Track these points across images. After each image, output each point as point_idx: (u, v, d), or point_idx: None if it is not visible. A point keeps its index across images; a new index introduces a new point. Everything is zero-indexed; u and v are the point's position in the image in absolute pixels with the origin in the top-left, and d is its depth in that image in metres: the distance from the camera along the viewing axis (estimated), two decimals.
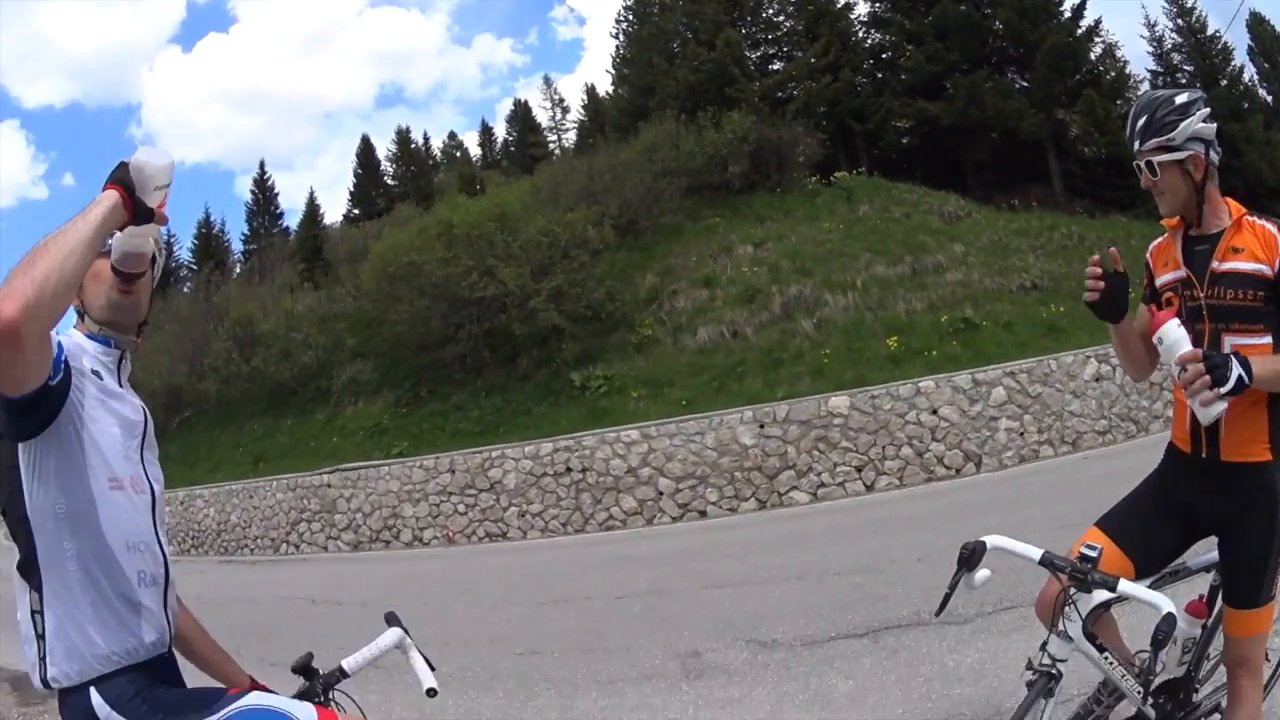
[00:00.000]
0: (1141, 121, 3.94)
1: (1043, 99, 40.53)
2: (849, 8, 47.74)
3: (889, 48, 47.05)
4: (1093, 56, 44.00)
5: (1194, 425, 3.94)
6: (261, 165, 69.66)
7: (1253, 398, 3.76)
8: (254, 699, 2.86)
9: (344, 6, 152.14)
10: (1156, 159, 3.93)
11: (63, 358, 2.66)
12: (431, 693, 3.43)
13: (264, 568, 23.39)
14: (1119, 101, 43.12)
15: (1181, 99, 3.92)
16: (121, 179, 2.57)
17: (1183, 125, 3.87)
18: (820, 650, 8.00)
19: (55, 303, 2.32)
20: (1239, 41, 48.84)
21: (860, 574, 10.34)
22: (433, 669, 3.52)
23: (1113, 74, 45.30)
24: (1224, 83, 43.85)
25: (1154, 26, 47.44)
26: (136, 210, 2.60)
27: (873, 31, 48.10)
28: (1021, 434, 19.02)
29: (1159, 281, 4.22)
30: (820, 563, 11.70)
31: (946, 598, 3.82)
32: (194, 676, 3.16)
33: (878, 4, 47.29)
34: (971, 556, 3.70)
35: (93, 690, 2.72)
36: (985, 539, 3.74)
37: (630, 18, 54.01)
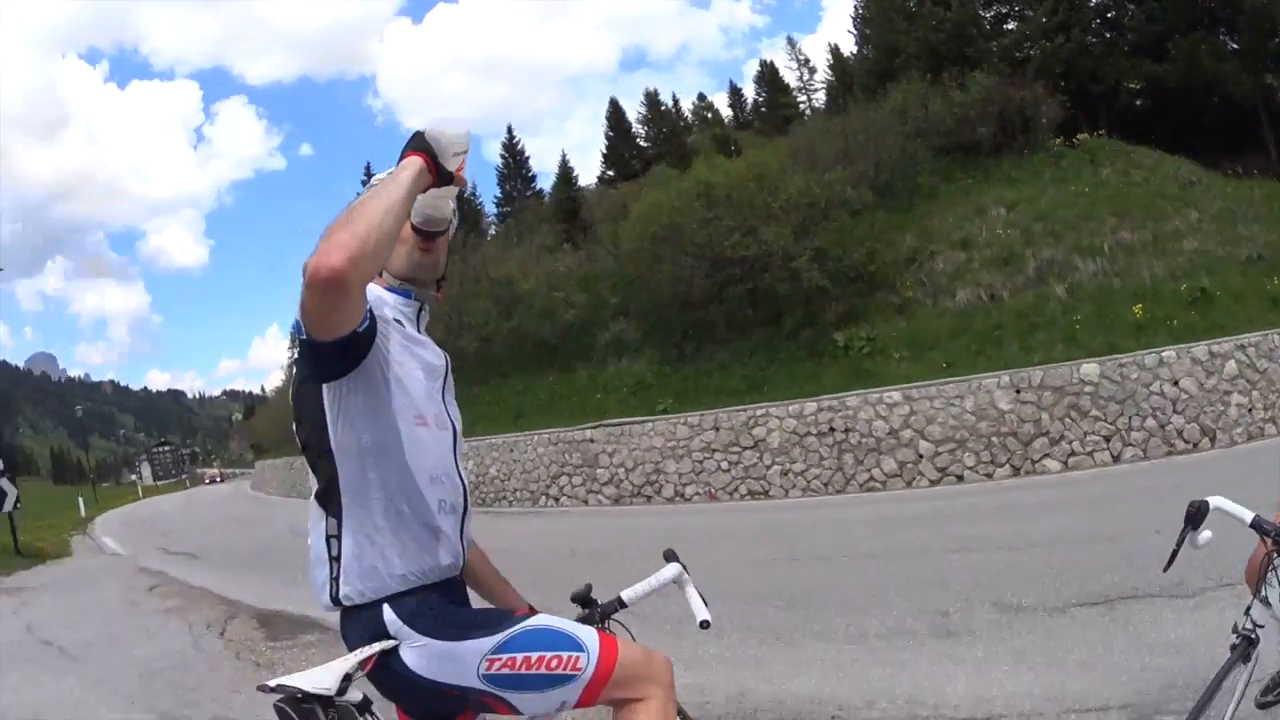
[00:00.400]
0: None
1: (1251, 61, 38.71)
2: None
3: (1113, 6, 45.29)
4: None
5: None
6: (510, 130, 70.92)
7: None
8: (541, 620, 2.98)
9: None
10: None
11: (368, 307, 2.74)
12: (705, 625, 3.44)
13: (523, 519, 23.96)
14: None
15: None
16: (420, 145, 2.72)
17: None
18: (1059, 617, 8.05)
19: (377, 254, 2.50)
20: None
21: (1102, 543, 10.30)
22: (706, 605, 3.52)
23: None
24: None
25: None
26: (439, 174, 2.75)
27: None
28: (1250, 410, 18.52)
29: None
30: (1066, 531, 11.74)
31: (1173, 554, 3.80)
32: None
33: None
34: (1196, 515, 3.70)
35: (385, 606, 2.86)
36: (1208, 499, 3.73)
37: None
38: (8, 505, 27.44)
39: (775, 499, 21.22)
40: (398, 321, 3.02)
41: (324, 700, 2.65)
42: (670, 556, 3.67)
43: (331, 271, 2.36)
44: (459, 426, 3.22)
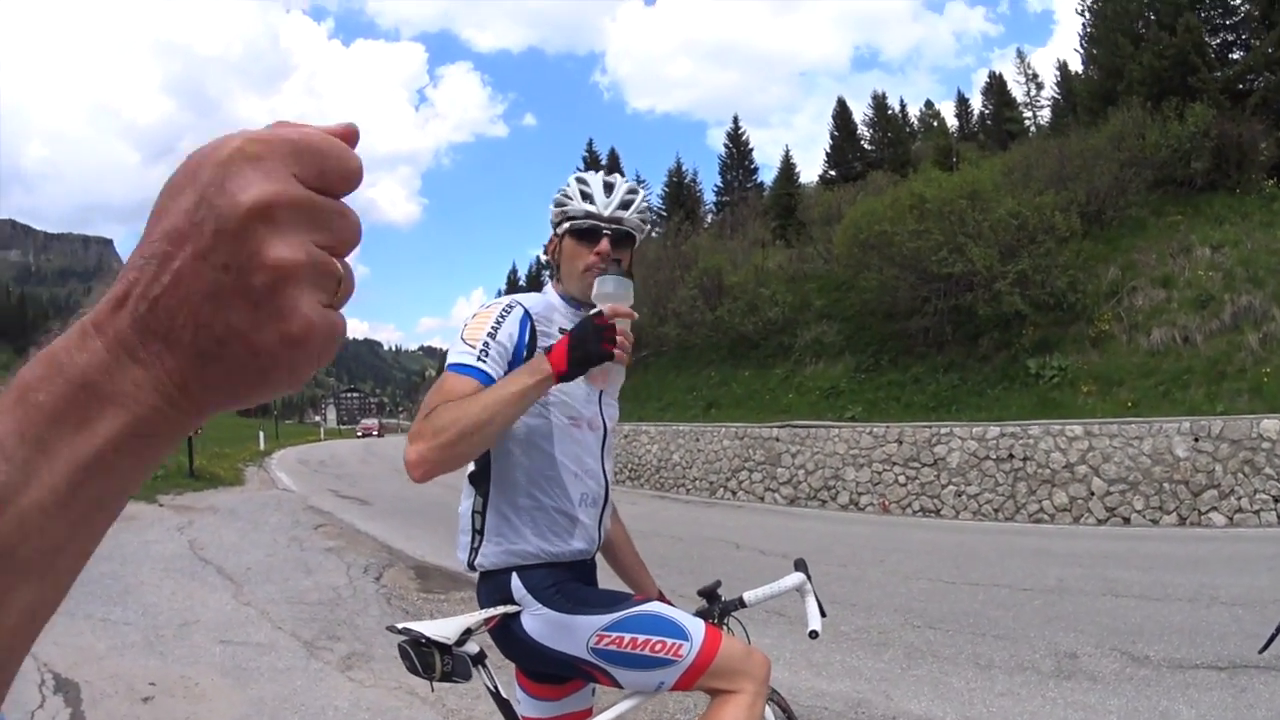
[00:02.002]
0: None
1: None
2: None
3: None
4: None
5: None
6: (735, 120, 70.25)
7: None
8: (654, 607, 3.33)
9: None
10: None
11: (526, 333, 3.24)
12: (813, 634, 3.70)
13: (697, 508, 24.26)
14: None
15: None
16: (571, 349, 2.87)
17: None
18: (1181, 675, 8.12)
19: (457, 463, 2.86)
20: None
21: (1243, 607, 10.32)
22: (824, 615, 3.82)
23: None
24: None
25: None
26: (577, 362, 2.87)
27: None
28: None
29: None
30: (1214, 589, 11.59)
31: (1272, 638, 3.96)
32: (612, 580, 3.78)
33: None
34: None
35: (514, 575, 3.29)
36: None
37: None
38: None
39: (945, 518, 21.46)
40: (563, 332, 3.31)
41: (442, 647, 3.09)
42: (799, 565, 4.05)
43: (415, 477, 2.81)
44: (611, 426, 3.64)
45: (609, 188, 3.55)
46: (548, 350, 2.89)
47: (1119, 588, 12.18)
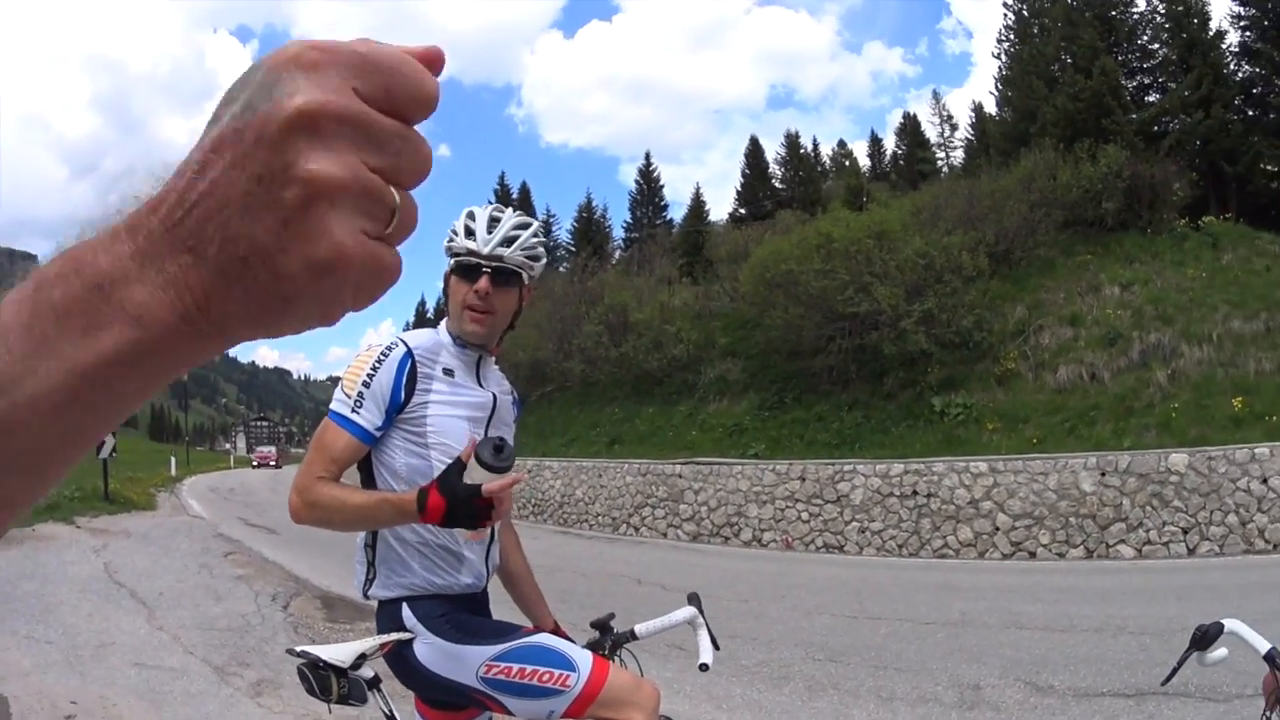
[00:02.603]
0: None
1: None
2: (1220, 36, 44.57)
3: (1258, 81, 43.73)
4: None
5: None
6: (648, 156, 71.03)
7: None
8: (541, 638, 3.39)
9: (731, 3, 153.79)
10: None
11: (405, 375, 3.32)
12: (703, 667, 3.76)
13: (600, 544, 24.26)
14: None
15: None
16: (444, 490, 2.87)
17: None
18: (1087, 703, 8.14)
19: (329, 529, 3.17)
20: None
21: (1151, 636, 10.36)
22: (716, 648, 3.88)
23: None
24: None
25: None
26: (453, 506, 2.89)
27: (1243, 63, 44.47)
28: None
29: None
30: (1121, 620, 11.69)
31: (1174, 671, 3.82)
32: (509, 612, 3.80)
33: (1247, 33, 44.00)
34: (1204, 638, 3.69)
35: (405, 604, 3.35)
36: (1224, 621, 3.70)
37: (1011, 37, 53.10)
38: (105, 451, 28.47)
39: (849, 554, 21.38)
40: (448, 372, 3.44)
41: (338, 670, 3.20)
42: (692, 599, 4.06)
43: (294, 521, 3.13)
44: None
45: (493, 223, 3.53)
46: (426, 494, 2.88)
47: (1023, 620, 12.27)
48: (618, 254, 63.21)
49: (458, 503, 2.82)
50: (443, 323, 3.64)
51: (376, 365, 3.29)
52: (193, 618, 12.13)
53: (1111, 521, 18.96)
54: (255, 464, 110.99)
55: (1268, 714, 3.60)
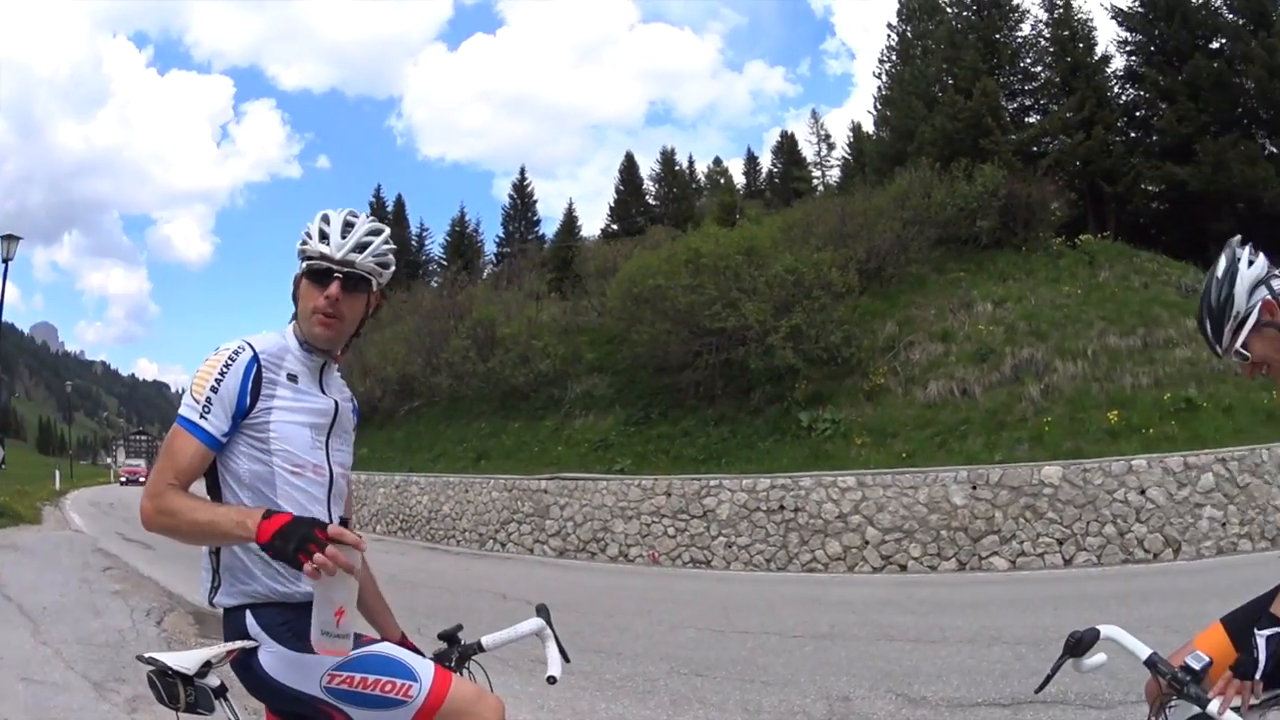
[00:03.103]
0: (1207, 326, 3.70)
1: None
2: (1105, 60, 46.29)
3: (1142, 105, 45.28)
4: None
5: None
6: (522, 171, 71.04)
7: None
8: (383, 647, 3.31)
9: (615, 19, 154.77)
10: (1238, 345, 3.59)
11: (250, 381, 3.25)
12: (551, 679, 3.68)
13: (467, 559, 24.17)
14: None
15: (1218, 268, 3.69)
16: (283, 534, 2.90)
17: (1237, 289, 3.62)
18: (961, 713, 8.10)
19: (177, 539, 3.15)
20: None
21: (1027, 645, 10.32)
22: (566, 661, 3.78)
23: None
24: None
25: None
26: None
27: (1127, 87, 46.28)
28: (1224, 524, 18.34)
29: None
30: (995, 630, 11.73)
31: (1048, 678, 3.71)
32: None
33: (1132, 57, 45.62)
34: (1078, 645, 3.60)
35: (248, 613, 3.26)
36: (1100, 627, 3.62)
37: (893, 58, 53.75)
38: None
39: (717, 569, 21.32)
40: (291, 377, 3.39)
41: (185, 678, 3.16)
42: (540, 611, 3.93)
43: (147, 528, 3.13)
44: (340, 471, 3.55)
45: (347, 227, 3.48)
46: (269, 514, 2.95)
47: (894, 632, 12.25)
48: (489, 269, 62.91)
49: (290, 545, 2.85)
50: (289, 326, 3.56)
51: (224, 370, 3.23)
52: (74, 633, 12.05)
53: (984, 534, 19.14)
54: (123, 480, 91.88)
55: (1152, 718, 3.66)
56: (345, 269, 3.40)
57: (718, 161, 78.88)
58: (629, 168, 66.86)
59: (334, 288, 3.37)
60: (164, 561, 19.79)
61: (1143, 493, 18.55)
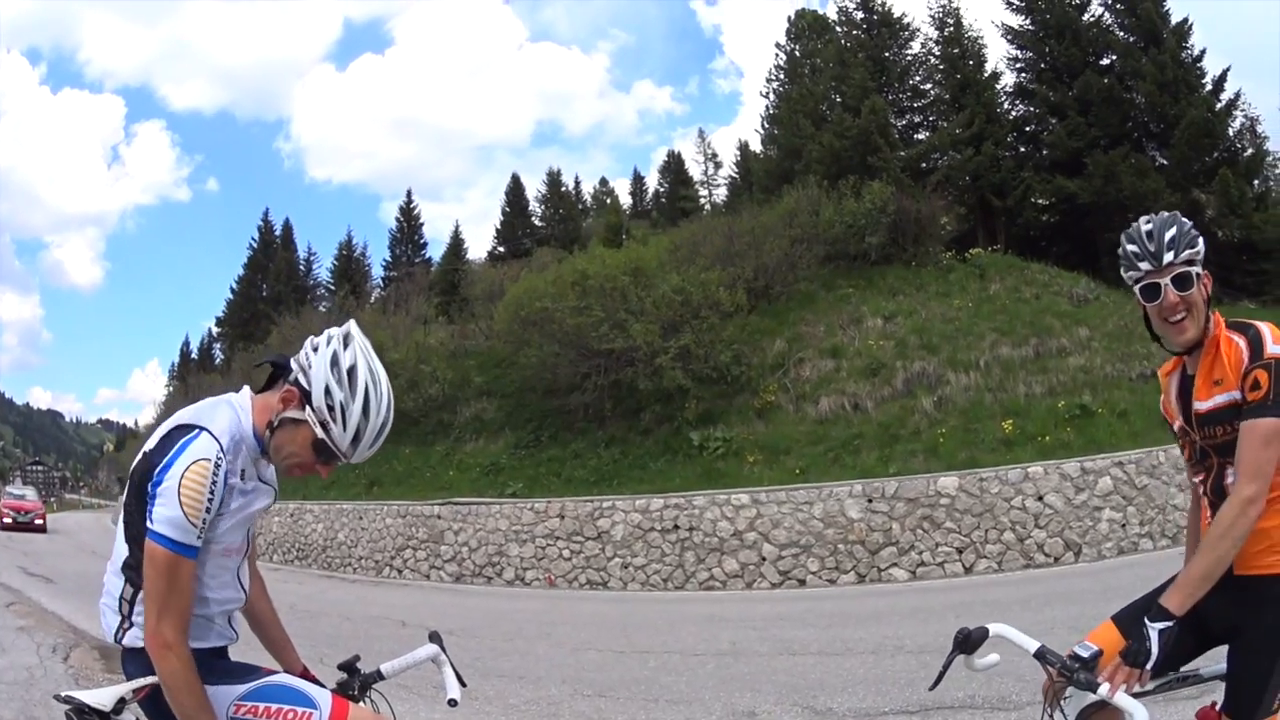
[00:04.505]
0: (1172, 232, 3.76)
1: (1180, 178, 39.16)
2: (995, 77, 47.12)
3: (1032, 120, 46.06)
4: (1231, 133, 42.59)
5: None
6: (409, 193, 70.86)
7: (1267, 511, 3.62)
8: (282, 677, 3.40)
9: (504, 39, 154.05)
10: (1195, 266, 3.77)
11: (216, 507, 3.16)
12: (452, 703, 3.72)
13: (364, 587, 23.93)
14: (1255, 182, 42.02)
15: (1184, 220, 3.83)
16: None
17: (1200, 241, 3.78)
18: None
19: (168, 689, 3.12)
20: None
21: (931, 653, 10.27)
22: (463, 685, 3.84)
23: (1250, 151, 43.61)
24: None
25: None
26: None
27: (1017, 103, 47.17)
28: (1124, 525, 18.76)
29: (1174, 429, 4.10)
30: (898, 639, 11.86)
31: (940, 676, 3.88)
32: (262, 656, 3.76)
33: (1023, 74, 46.55)
34: (966, 641, 3.73)
35: None
36: (989, 626, 3.77)
37: (781, 77, 54.09)
38: None
39: (614, 590, 21.35)
40: (242, 473, 3.32)
41: (101, 715, 3.15)
42: (433, 637, 4.04)
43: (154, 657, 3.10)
44: (251, 544, 3.64)
45: (380, 432, 3.42)
46: None
47: (796, 646, 12.31)
48: (376, 293, 62.49)
49: None
50: (247, 408, 3.42)
51: (213, 488, 3.12)
52: None
53: (882, 546, 19.35)
54: (5, 520, 54.25)
55: (1049, 712, 3.76)
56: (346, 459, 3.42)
57: (604, 182, 79.20)
58: (515, 189, 66.89)
59: (329, 469, 3.42)
60: (66, 596, 19.58)
61: (1040, 499, 18.92)
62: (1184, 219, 3.81)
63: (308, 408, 3.28)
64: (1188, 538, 4.44)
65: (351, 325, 3.45)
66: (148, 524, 3.07)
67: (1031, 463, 19.76)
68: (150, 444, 3.24)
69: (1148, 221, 3.85)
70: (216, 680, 3.25)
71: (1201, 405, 3.77)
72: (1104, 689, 3.45)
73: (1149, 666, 3.51)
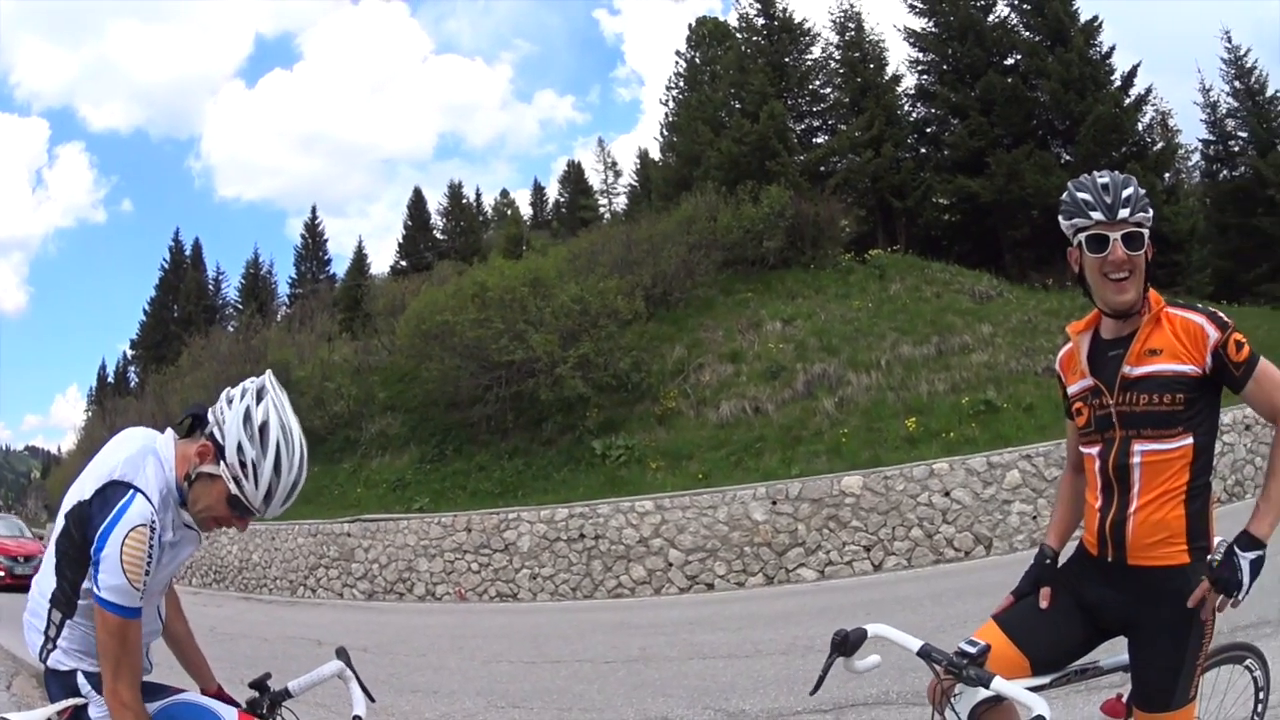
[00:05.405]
0: (1129, 190, 3.78)
1: (1085, 173, 38.48)
2: (896, 80, 47.74)
3: (934, 121, 46.69)
4: (1140, 128, 43.16)
5: (1101, 528, 3.89)
6: (314, 210, 70.62)
7: (1165, 497, 3.72)
8: (190, 696, 3.61)
9: (410, 52, 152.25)
10: (1144, 232, 3.82)
11: (146, 586, 3.27)
12: (357, 719, 3.88)
13: (279, 608, 23.82)
14: (1165, 175, 42.57)
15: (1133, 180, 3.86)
16: None
17: (1151, 210, 3.83)
18: None
19: None
20: None
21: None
22: (371, 700, 3.99)
23: (1160, 145, 44.41)
24: None
25: (1208, 91, 46.39)
26: None
27: (918, 105, 47.83)
28: (1034, 518, 18.89)
29: (1070, 391, 4.15)
30: (808, 639, 11.88)
31: (820, 679, 3.78)
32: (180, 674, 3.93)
33: (924, 76, 47.09)
34: (844, 643, 3.70)
35: (80, 674, 3.40)
36: (866, 627, 3.74)
37: (681, 84, 54.27)
38: None
39: (524, 601, 21.37)
40: (170, 524, 3.40)
41: None
42: (340, 654, 4.12)
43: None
44: (170, 584, 3.80)
45: (292, 490, 3.50)
46: None
47: (707, 650, 12.45)
48: (282, 311, 62.02)
49: None
50: (170, 459, 3.47)
51: (150, 552, 3.22)
52: None
53: (789, 547, 19.48)
54: None
55: (938, 713, 3.75)
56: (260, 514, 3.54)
57: (505, 193, 79.13)
58: (417, 203, 66.91)
59: (246, 523, 3.59)
60: (5, 626, 19.43)
61: (948, 494, 19.12)
62: (1132, 180, 3.86)
63: (222, 463, 3.35)
64: (1058, 504, 4.53)
65: (267, 378, 3.54)
66: (95, 591, 3.19)
67: (937, 459, 19.95)
68: (85, 491, 3.34)
69: (1103, 175, 3.90)
70: None
71: (1133, 370, 3.80)
72: (997, 682, 3.46)
73: (1240, 596, 3.52)
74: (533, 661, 13.16)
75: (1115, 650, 3.98)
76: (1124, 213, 3.74)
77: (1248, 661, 4.51)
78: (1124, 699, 4.03)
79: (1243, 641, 4.77)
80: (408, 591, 23.29)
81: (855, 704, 8.22)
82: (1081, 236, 3.88)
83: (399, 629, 18.28)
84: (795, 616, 14.72)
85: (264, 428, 3.37)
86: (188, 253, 71.15)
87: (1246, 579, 3.50)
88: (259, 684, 3.94)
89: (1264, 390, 3.69)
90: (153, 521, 3.24)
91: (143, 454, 3.41)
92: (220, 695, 3.84)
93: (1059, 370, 4.32)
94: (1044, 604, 4.09)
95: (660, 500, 20.87)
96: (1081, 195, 3.85)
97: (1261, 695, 4.52)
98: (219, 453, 3.36)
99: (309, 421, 33.33)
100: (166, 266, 70.04)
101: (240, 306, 63.20)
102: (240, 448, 3.34)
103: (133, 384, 71.47)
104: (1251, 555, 3.50)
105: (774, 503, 19.79)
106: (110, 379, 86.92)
